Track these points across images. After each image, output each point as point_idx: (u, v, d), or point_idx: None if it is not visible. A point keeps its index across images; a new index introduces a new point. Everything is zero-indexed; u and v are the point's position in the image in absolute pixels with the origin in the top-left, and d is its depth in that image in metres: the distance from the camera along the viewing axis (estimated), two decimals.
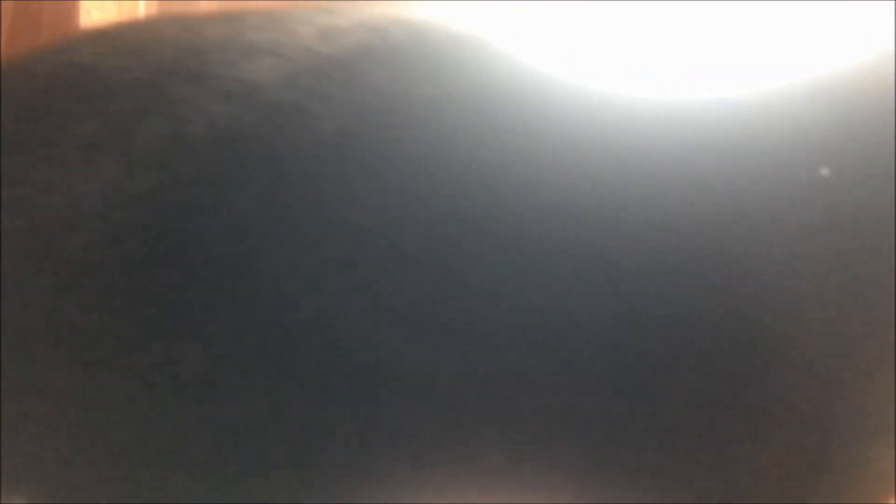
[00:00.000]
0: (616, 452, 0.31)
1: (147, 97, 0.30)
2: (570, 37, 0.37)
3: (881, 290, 0.32)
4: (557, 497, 0.31)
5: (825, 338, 0.33)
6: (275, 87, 0.30)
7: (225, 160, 0.29)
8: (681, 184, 0.30)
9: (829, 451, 0.36)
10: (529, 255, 0.28)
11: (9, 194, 0.29)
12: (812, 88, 0.33)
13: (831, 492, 0.37)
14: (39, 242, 0.29)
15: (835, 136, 0.32)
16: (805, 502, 0.35)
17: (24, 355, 0.31)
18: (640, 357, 0.29)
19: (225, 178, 0.29)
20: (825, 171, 0.30)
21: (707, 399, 0.32)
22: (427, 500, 0.30)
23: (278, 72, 0.30)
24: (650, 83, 0.33)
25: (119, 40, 0.35)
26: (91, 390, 0.30)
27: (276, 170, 0.29)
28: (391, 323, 0.28)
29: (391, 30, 0.33)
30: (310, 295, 0.29)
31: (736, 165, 0.31)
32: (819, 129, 0.32)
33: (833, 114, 0.32)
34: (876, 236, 0.31)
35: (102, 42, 0.36)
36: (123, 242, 0.28)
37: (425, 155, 0.29)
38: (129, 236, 0.28)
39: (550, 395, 0.29)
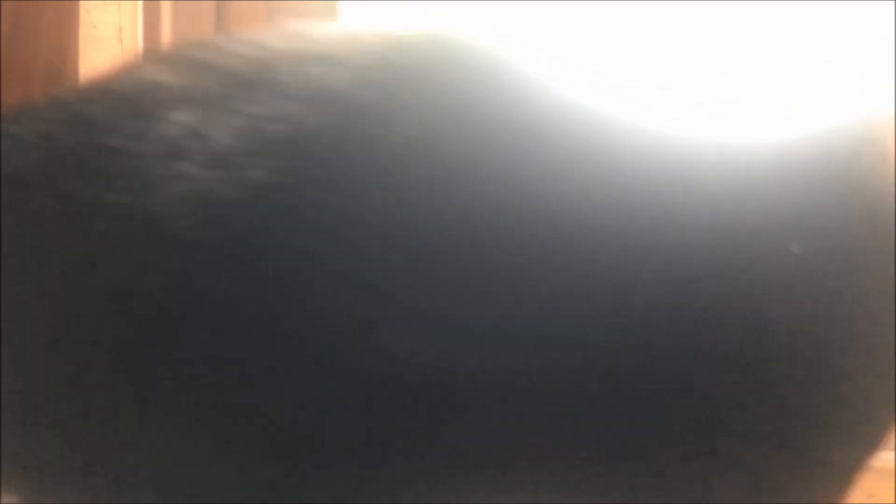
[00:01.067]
0: (630, 452, 0.31)
1: (222, 102, 0.31)
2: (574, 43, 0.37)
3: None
4: (576, 497, 0.31)
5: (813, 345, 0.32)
6: (348, 90, 0.31)
7: (303, 159, 0.30)
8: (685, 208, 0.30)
9: (820, 453, 0.36)
10: (556, 263, 0.29)
11: (94, 199, 0.30)
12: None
13: (821, 491, 0.37)
14: (125, 246, 0.29)
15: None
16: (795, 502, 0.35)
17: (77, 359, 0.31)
18: (656, 359, 0.30)
19: (304, 177, 0.30)
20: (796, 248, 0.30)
21: (712, 403, 0.32)
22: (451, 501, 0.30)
23: (349, 77, 0.31)
24: (656, 112, 0.33)
25: (185, 57, 0.36)
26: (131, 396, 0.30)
27: (352, 170, 0.29)
28: (462, 329, 0.28)
29: (458, 43, 0.34)
30: (373, 293, 0.29)
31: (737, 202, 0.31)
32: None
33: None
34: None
35: (168, 60, 0.37)
36: (204, 244, 0.29)
37: (485, 165, 0.29)
38: (209, 237, 0.29)
39: (570, 395, 0.29)
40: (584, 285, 0.29)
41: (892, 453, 0.76)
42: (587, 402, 0.30)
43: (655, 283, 0.29)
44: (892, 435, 0.77)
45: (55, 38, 1.13)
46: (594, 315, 0.29)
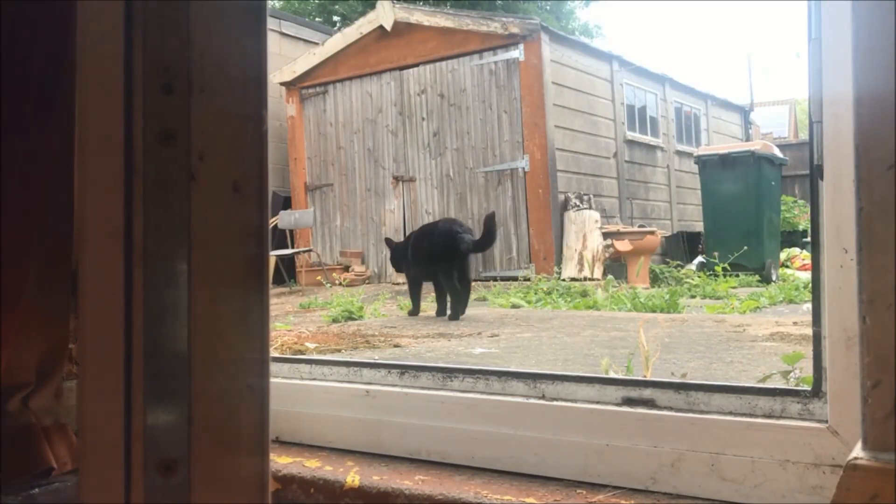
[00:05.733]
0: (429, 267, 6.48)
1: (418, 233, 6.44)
2: None
3: None
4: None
5: None
6: (420, 231, 6.66)
7: (415, 236, 6.47)
8: None
9: None
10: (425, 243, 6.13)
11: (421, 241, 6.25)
12: None
13: None
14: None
15: None
16: None
17: None
18: (424, 252, 6.13)
19: (414, 237, 6.43)
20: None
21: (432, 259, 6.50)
22: None
23: (420, 230, 6.67)
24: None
25: (423, 229, 6.59)
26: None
27: (418, 236, 6.45)
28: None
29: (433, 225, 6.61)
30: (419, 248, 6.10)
31: None
32: None
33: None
34: None
35: (419, 230, 6.59)
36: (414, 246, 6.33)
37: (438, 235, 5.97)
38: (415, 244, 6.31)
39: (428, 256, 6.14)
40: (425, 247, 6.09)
41: (893, 454, 0.75)
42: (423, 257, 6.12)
43: (427, 245, 5.97)
44: (891, 434, 0.75)
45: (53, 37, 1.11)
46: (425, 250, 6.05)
